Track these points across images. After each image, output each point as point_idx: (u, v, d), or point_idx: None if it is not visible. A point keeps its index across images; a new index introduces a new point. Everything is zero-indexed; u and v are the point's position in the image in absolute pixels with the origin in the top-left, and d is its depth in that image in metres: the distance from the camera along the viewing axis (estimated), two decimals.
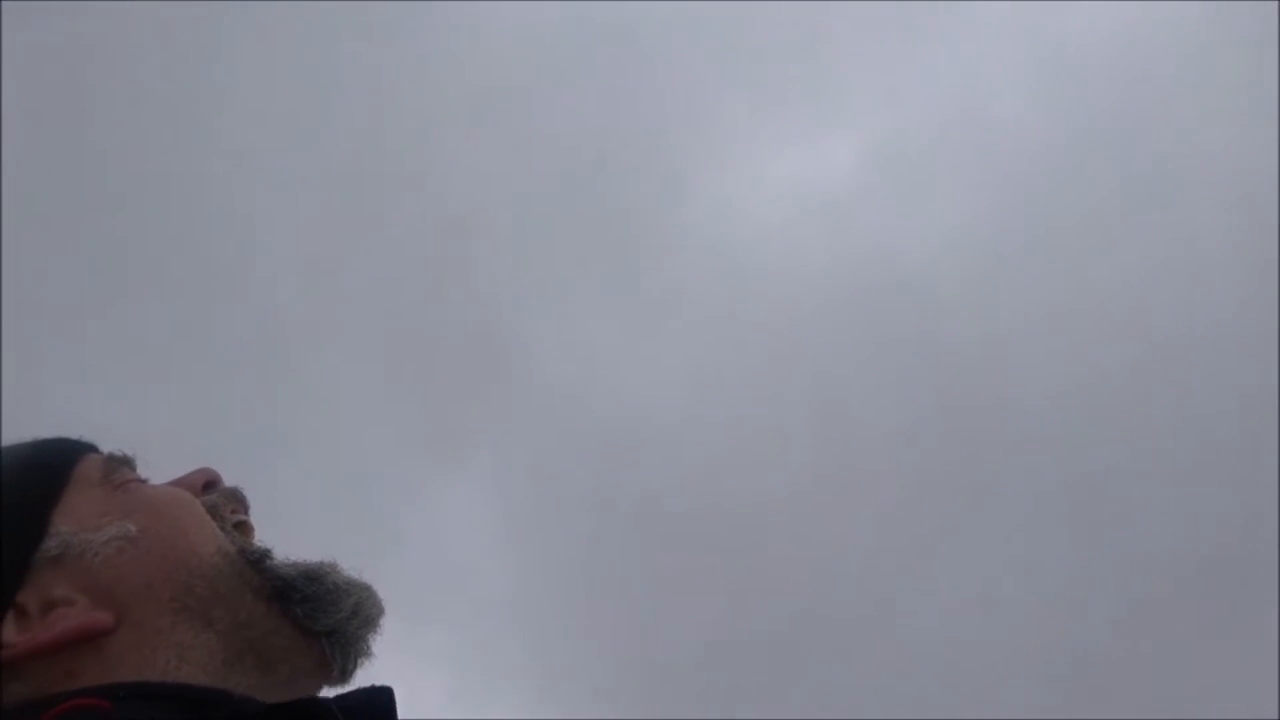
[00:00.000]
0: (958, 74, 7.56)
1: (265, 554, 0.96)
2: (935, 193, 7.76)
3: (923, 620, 7.06)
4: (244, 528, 1.01)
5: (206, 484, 1.02)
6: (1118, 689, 6.57)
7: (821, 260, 7.64)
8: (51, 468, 0.98)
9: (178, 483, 1.02)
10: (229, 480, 1.05)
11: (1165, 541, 6.70)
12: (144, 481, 1.00)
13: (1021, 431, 7.14)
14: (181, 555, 0.92)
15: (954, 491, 7.22)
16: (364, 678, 0.96)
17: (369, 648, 0.96)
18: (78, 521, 0.93)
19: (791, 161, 8.00)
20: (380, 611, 0.97)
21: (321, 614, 0.93)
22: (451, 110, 7.34)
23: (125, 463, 1.01)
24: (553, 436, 7.46)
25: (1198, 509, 6.70)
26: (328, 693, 0.94)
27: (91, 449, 1.03)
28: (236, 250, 6.72)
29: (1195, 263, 7.01)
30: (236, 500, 1.03)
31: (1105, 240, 7.10)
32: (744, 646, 7.04)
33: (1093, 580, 6.79)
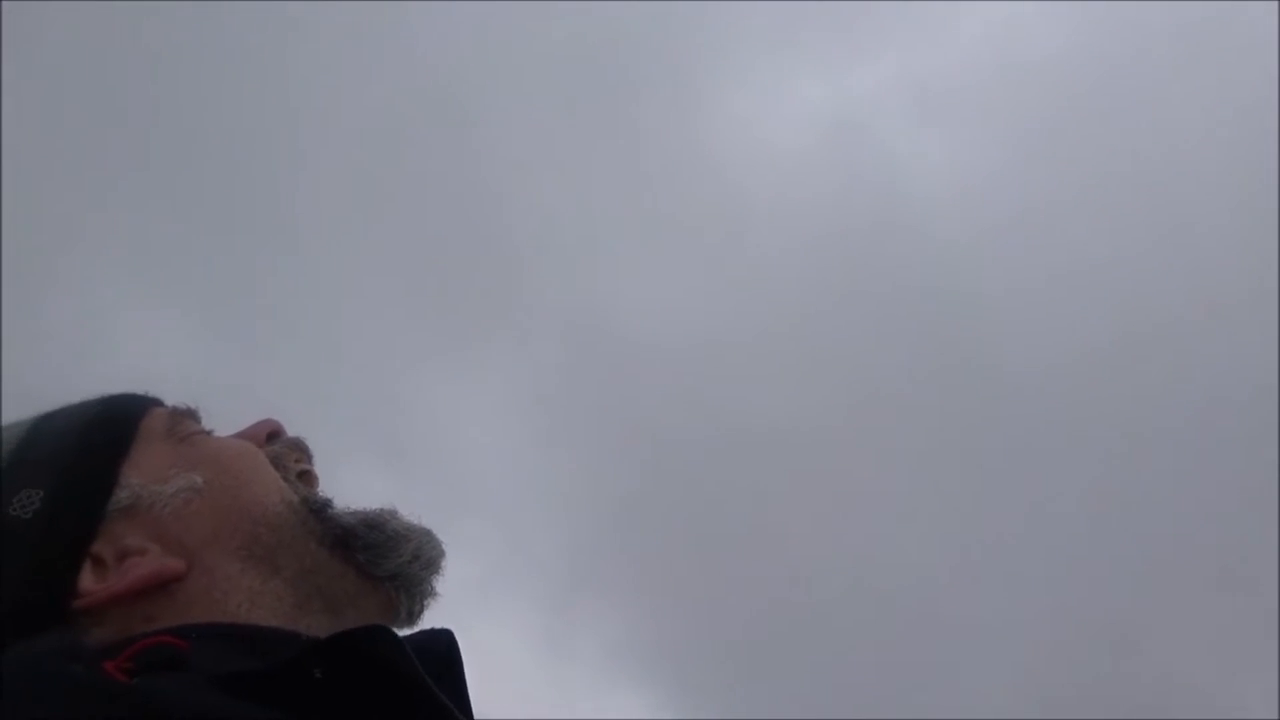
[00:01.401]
0: (997, 12, 7.29)
1: (327, 503, 0.98)
2: (962, 134, 7.58)
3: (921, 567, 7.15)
4: (307, 477, 1.03)
5: (270, 434, 1.05)
6: (1128, 651, 6.70)
7: (832, 190, 7.52)
8: (120, 422, 1.00)
9: (242, 434, 1.05)
10: (291, 431, 1.07)
11: (1178, 506, 6.75)
12: (208, 433, 1.03)
13: (1021, 391, 7.13)
14: (247, 505, 0.95)
15: (958, 444, 7.25)
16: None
17: (433, 589, 0.98)
18: (146, 474, 0.96)
19: (813, 87, 7.77)
20: (441, 554, 0.99)
21: (383, 559, 0.95)
22: (469, 14, 7.12)
23: (190, 415, 1.04)
24: (560, 351, 7.44)
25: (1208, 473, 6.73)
26: None
27: (157, 403, 1.05)
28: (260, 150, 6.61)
29: (1211, 228, 6.93)
30: (299, 450, 1.05)
31: (1134, 200, 6.98)
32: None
33: (1104, 541, 6.85)
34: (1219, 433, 6.72)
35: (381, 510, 0.99)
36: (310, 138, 6.87)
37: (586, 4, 7.12)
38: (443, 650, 0.92)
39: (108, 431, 0.99)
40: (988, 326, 7.24)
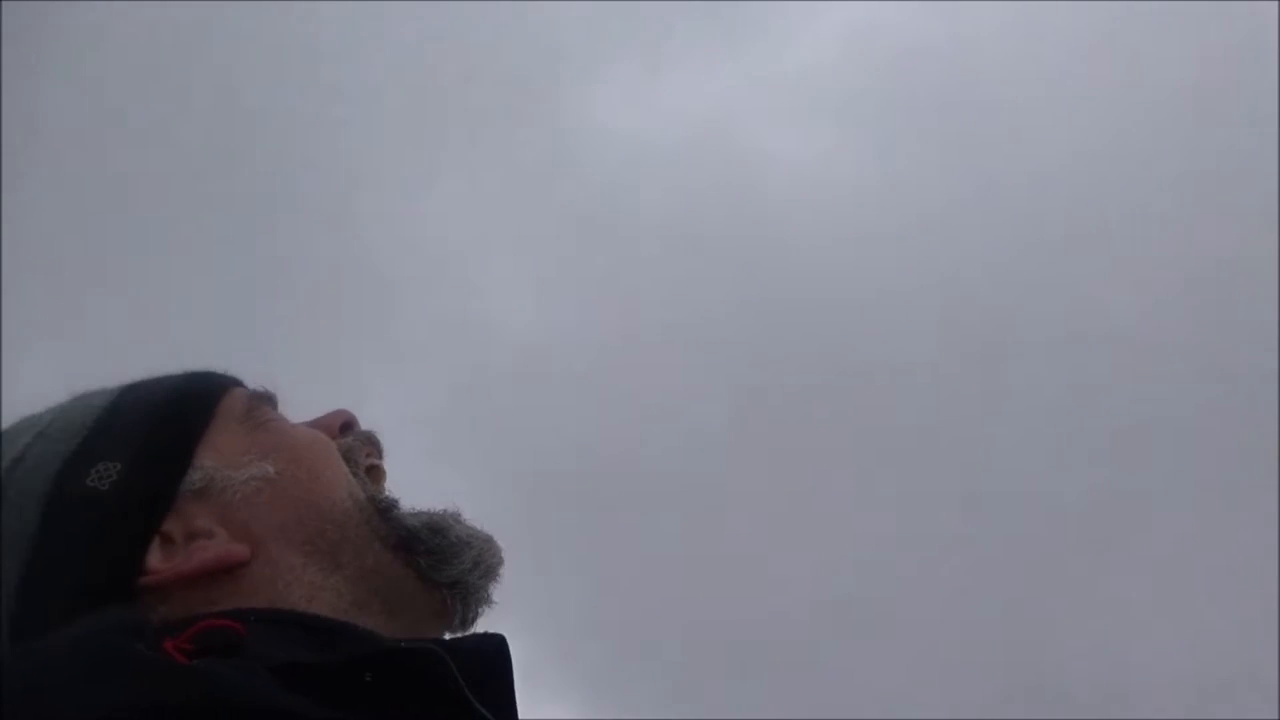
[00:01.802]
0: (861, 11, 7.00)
1: (393, 503, 0.98)
2: (829, 133, 7.42)
3: None
4: (376, 473, 1.03)
5: (344, 425, 1.05)
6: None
7: (697, 187, 7.38)
8: (198, 402, 1.00)
9: (315, 423, 1.05)
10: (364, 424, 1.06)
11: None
12: (283, 420, 1.02)
13: (889, 393, 7.24)
14: (315, 500, 0.95)
15: (828, 445, 7.38)
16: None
17: (489, 597, 0.99)
18: (220, 457, 0.96)
19: (677, 84, 7.52)
20: (500, 562, 0.99)
21: (445, 565, 0.96)
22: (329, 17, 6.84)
23: (267, 400, 1.03)
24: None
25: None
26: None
27: (236, 383, 1.05)
28: None
29: (1077, 233, 6.96)
30: (371, 444, 1.05)
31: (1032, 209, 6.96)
32: None
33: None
34: (1080, 436, 6.95)
35: (445, 513, 0.99)
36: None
37: (441, 5, 6.75)
38: (492, 655, 0.90)
39: (185, 410, 0.99)
40: (856, 328, 7.28)
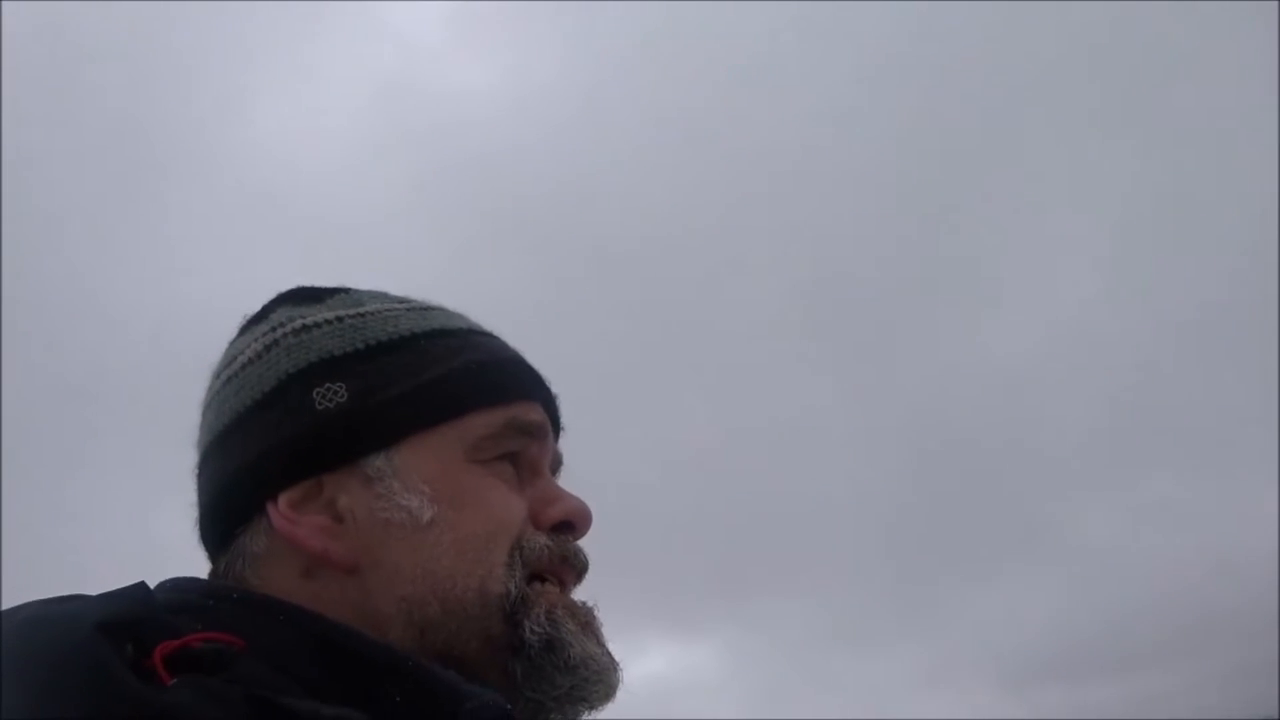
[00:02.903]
0: None
1: (527, 611, 0.91)
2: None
3: None
4: (546, 588, 0.94)
5: (561, 524, 0.97)
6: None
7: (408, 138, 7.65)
8: (457, 396, 0.95)
9: (536, 497, 0.97)
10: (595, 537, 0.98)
11: None
12: (502, 479, 0.95)
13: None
14: (440, 572, 0.90)
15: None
16: None
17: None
18: (410, 465, 0.92)
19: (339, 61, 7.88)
20: (604, 698, 0.94)
21: (539, 682, 0.91)
22: None
23: (524, 436, 0.97)
24: None
25: None
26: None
27: (528, 396, 0.99)
28: None
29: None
30: (566, 564, 0.96)
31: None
32: None
33: None
34: None
35: (572, 632, 0.92)
36: None
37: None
38: None
39: (436, 395, 0.95)
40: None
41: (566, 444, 1.05)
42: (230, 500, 0.94)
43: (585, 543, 1.00)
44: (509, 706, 0.83)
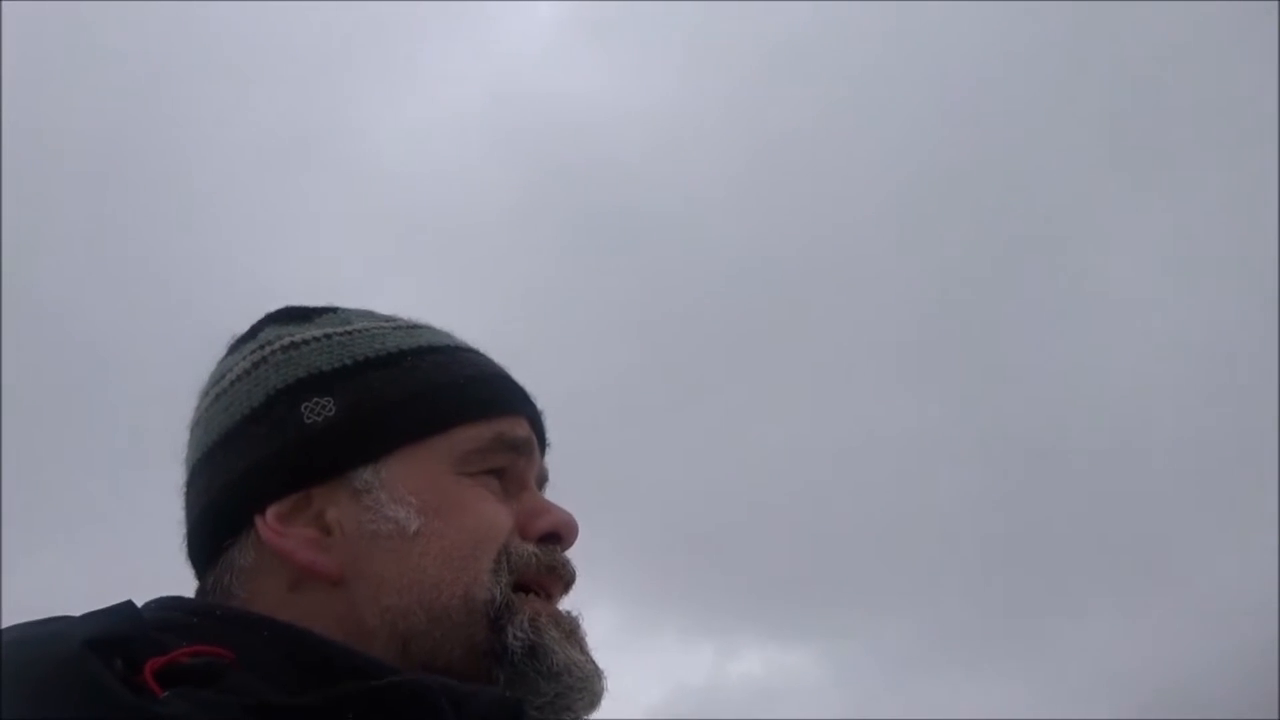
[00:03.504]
0: None
1: (509, 618, 0.92)
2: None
3: None
4: (525, 597, 0.94)
5: (548, 535, 0.98)
6: None
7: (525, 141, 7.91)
8: (444, 410, 0.96)
9: (524, 509, 0.98)
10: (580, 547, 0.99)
11: None
12: (487, 492, 0.96)
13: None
14: (425, 581, 0.91)
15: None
16: None
17: None
18: (397, 477, 0.93)
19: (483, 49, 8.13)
20: (589, 706, 0.94)
21: (522, 688, 0.91)
22: None
23: (523, 461, 0.98)
24: None
25: None
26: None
27: (515, 412, 1.00)
28: None
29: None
30: (555, 576, 0.97)
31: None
32: None
33: None
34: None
35: (554, 638, 0.93)
36: None
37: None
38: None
39: (425, 410, 0.95)
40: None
41: (551, 460, 1.06)
42: (219, 513, 0.95)
43: (573, 553, 1.00)
44: (509, 694, 0.85)
